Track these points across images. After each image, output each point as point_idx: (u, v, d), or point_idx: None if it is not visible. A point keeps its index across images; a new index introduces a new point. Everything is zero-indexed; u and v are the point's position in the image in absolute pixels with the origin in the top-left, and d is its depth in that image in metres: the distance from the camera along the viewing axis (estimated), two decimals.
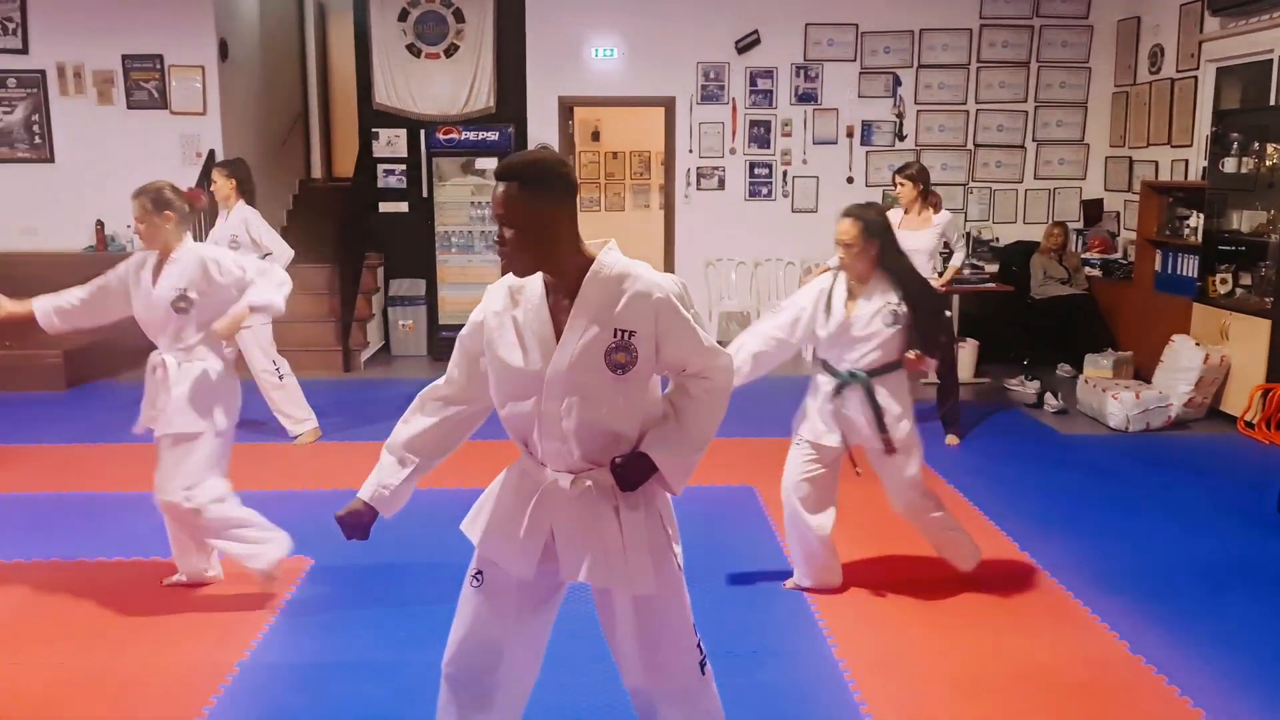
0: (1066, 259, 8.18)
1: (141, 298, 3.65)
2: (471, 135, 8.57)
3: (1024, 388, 7.07)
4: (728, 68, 8.85)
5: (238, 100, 8.90)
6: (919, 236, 6.00)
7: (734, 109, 8.90)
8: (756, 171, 8.99)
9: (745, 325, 5.13)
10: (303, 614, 3.69)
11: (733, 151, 8.96)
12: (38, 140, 8.57)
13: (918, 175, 6.03)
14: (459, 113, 8.80)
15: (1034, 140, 9.03)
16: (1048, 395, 6.84)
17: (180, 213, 3.65)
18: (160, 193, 3.61)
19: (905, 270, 3.66)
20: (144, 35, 8.44)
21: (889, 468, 3.72)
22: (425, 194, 8.63)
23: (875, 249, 3.57)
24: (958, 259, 6.48)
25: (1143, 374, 6.99)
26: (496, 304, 2.14)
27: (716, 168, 8.99)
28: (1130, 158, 8.52)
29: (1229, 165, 6.59)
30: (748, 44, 8.80)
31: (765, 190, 9.01)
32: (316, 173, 10.85)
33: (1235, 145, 6.55)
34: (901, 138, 8.96)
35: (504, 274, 2.16)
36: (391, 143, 8.87)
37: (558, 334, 2.06)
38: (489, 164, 8.42)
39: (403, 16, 8.75)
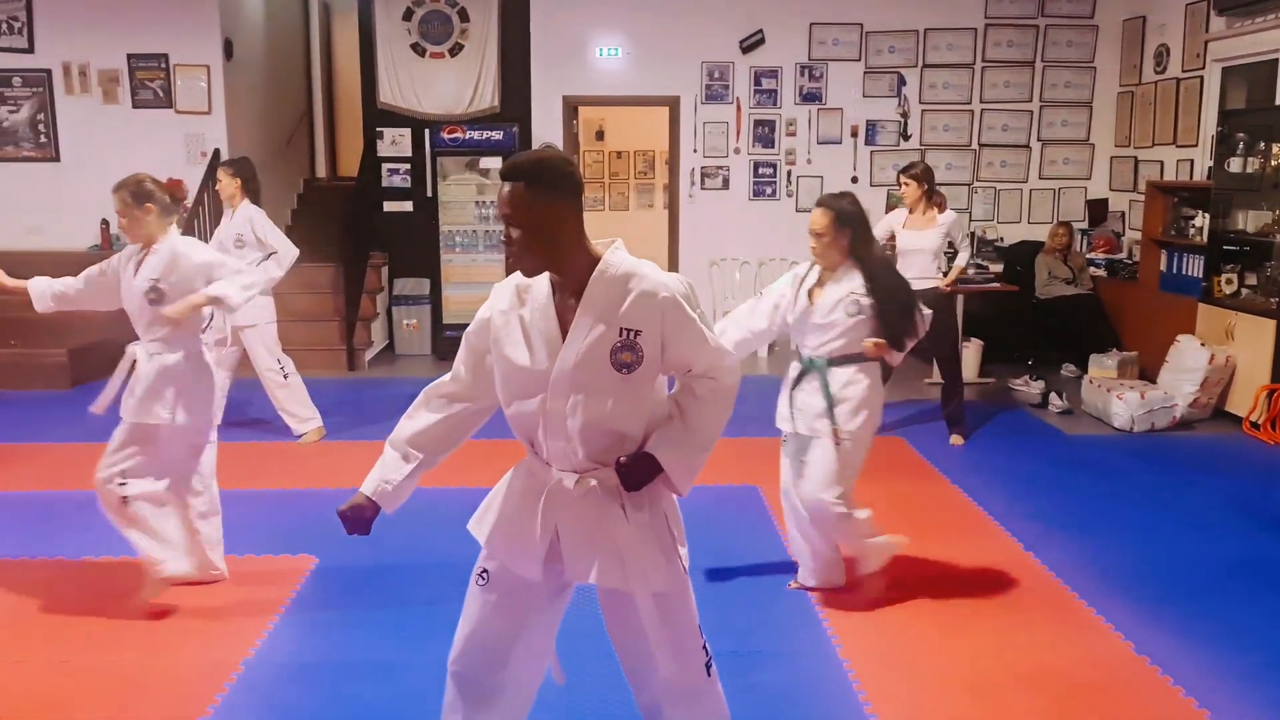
0: (1071, 259, 8.17)
1: (124, 288, 3.69)
2: (476, 134, 8.57)
3: (1029, 388, 7.06)
4: (732, 67, 8.84)
5: (242, 99, 8.91)
6: (924, 236, 6.00)
7: (738, 108, 8.89)
8: (761, 171, 8.98)
9: None
10: (307, 613, 3.69)
11: (737, 151, 8.96)
12: (43, 139, 8.60)
13: (923, 175, 6.01)
14: (463, 112, 8.80)
15: (1039, 140, 9.01)
16: (1052, 395, 6.83)
17: (161, 204, 3.64)
18: (140, 185, 3.61)
19: (876, 261, 3.65)
20: (149, 34, 8.46)
21: (821, 454, 3.57)
22: (430, 193, 8.64)
23: (846, 239, 3.57)
24: (962, 259, 6.46)
25: (1148, 374, 6.97)
26: (503, 302, 2.14)
27: (721, 167, 8.98)
28: (1135, 157, 8.50)
29: (1234, 165, 6.57)
30: (752, 43, 8.79)
31: (769, 190, 9.00)
32: (321, 172, 10.86)
33: (1241, 145, 6.53)
34: (906, 137, 8.96)
35: (509, 273, 2.15)
36: (396, 142, 8.87)
37: (564, 333, 2.05)
38: (493, 163, 8.43)
39: (407, 16, 8.76)
